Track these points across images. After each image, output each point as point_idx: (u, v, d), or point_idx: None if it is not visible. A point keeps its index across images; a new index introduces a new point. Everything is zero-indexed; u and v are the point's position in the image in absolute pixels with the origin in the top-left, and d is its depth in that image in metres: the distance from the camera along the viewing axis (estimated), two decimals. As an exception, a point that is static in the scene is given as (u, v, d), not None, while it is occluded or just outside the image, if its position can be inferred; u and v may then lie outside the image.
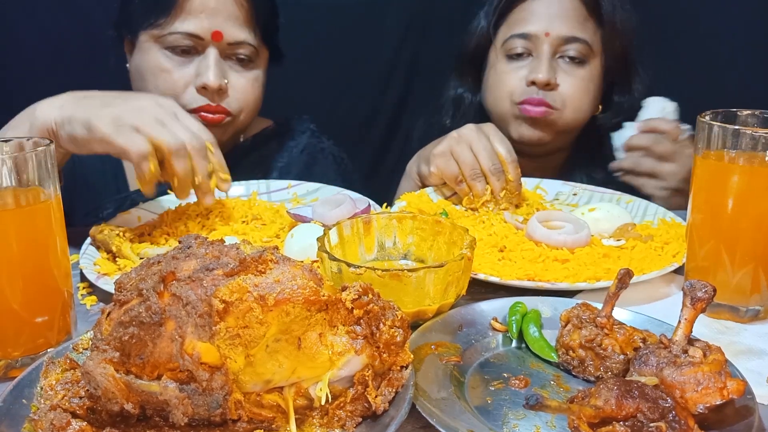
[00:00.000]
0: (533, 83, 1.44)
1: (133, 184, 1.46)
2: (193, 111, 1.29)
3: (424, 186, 1.31)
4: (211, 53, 1.29)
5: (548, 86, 1.44)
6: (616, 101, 1.57)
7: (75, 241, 1.01)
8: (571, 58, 1.46)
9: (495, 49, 1.54)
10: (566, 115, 1.48)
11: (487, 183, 1.18)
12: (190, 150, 0.98)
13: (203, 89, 1.29)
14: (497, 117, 1.53)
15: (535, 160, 1.55)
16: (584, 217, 1.09)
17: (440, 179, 1.25)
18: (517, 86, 1.47)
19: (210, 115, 1.30)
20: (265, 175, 1.47)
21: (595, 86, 1.51)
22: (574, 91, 1.47)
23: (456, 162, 1.19)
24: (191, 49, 1.29)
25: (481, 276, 0.91)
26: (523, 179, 1.34)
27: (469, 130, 1.21)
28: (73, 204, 1.38)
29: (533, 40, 1.45)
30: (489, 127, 1.22)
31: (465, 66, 1.64)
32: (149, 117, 0.96)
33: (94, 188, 1.44)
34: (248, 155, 1.50)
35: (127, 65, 1.41)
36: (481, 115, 1.59)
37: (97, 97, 0.99)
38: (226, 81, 1.31)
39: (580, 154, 1.61)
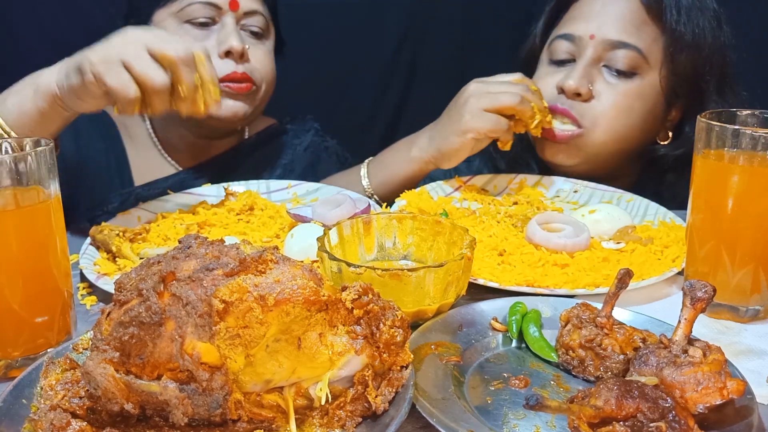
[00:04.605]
0: (562, 91, 1.26)
1: (138, 180, 1.47)
2: (219, 81, 1.30)
3: (436, 163, 1.24)
4: (229, 20, 1.32)
5: (579, 96, 1.24)
6: (686, 131, 1.29)
7: (75, 241, 1.01)
8: (618, 70, 1.24)
9: (543, 53, 1.37)
10: (595, 136, 1.25)
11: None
12: (176, 61, 0.95)
13: (226, 55, 1.31)
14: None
15: None
16: (584, 218, 1.09)
17: (472, 145, 1.18)
18: (547, 95, 1.28)
19: (236, 84, 1.31)
20: (269, 172, 1.48)
21: (645, 105, 1.26)
22: (610, 108, 1.24)
23: (491, 111, 1.15)
24: (209, 20, 1.31)
25: (481, 281, 0.91)
26: (524, 175, 1.34)
27: (474, 85, 1.18)
28: (77, 197, 1.40)
29: (577, 43, 1.27)
30: (488, 77, 1.20)
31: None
32: (134, 46, 0.94)
33: (98, 183, 1.46)
34: (253, 153, 1.52)
35: None
36: None
37: (87, 47, 0.98)
38: (247, 46, 1.33)
39: (640, 191, 1.28)
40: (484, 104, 1.15)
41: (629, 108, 1.25)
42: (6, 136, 1.01)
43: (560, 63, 1.31)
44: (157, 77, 0.94)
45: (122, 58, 0.93)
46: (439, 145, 1.22)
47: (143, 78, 0.93)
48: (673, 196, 1.29)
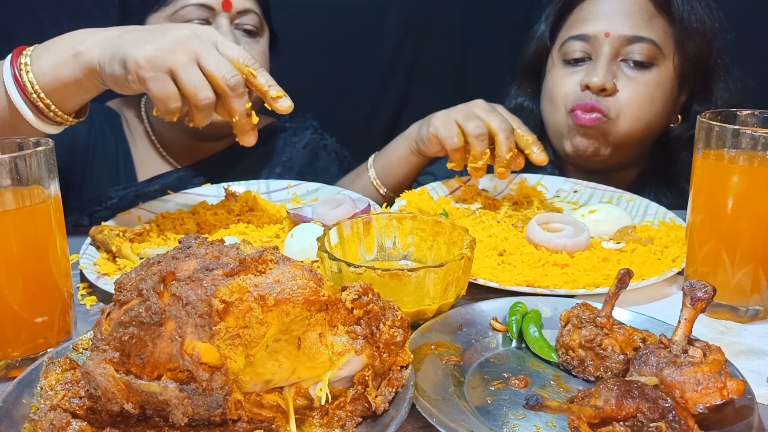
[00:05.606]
0: (587, 88, 1.32)
1: (141, 176, 1.48)
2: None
3: (418, 149, 1.28)
4: (223, 21, 1.31)
5: (604, 91, 1.31)
6: (694, 111, 1.37)
7: (75, 241, 1.01)
8: (636, 62, 1.31)
9: (552, 54, 1.42)
10: (621, 125, 1.33)
11: (491, 146, 1.14)
12: (226, 89, 0.91)
13: None
14: (553, 129, 1.42)
15: (600, 177, 1.37)
16: (584, 218, 1.09)
17: (437, 142, 1.20)
18: (571, 92, 1.35)
19: None
20: (267, 170, 1.49)
21: (664, 93, 1.35)
22: (633, 98, 1.31)
23: (458, 125, 1.16)
24: (203, 22, 1.31)
25: (481, 281, 0.91)
26: (524, 175, 1.34)
27: (479, 101, 1.19)
28: (85, 184, 1.40)
29: (592, 42, 1.33)
30: (500, 106, 1.21)
31: (524, 74, 1.52)
32: (185, 56, 0.89)
33: (106, 172, 1.46)
34: (252, 151, 1.52)
35: None
36: (542, 126, 1.47)
37: (134, 32, 0.93)
38: (241, 46, 1.32)
39: (652, 171, 1.46)
40: (457, 116, 1.18)
41: (651, 97, 1.33)
42: (35, 95, 0.95)
43: (575, 62, 1.37)
44: (204, 96, 0.89)
45: (171, 67, 0.88)
46: (421, 123, 1.28)
47: (189, 94, 0.89)
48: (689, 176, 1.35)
